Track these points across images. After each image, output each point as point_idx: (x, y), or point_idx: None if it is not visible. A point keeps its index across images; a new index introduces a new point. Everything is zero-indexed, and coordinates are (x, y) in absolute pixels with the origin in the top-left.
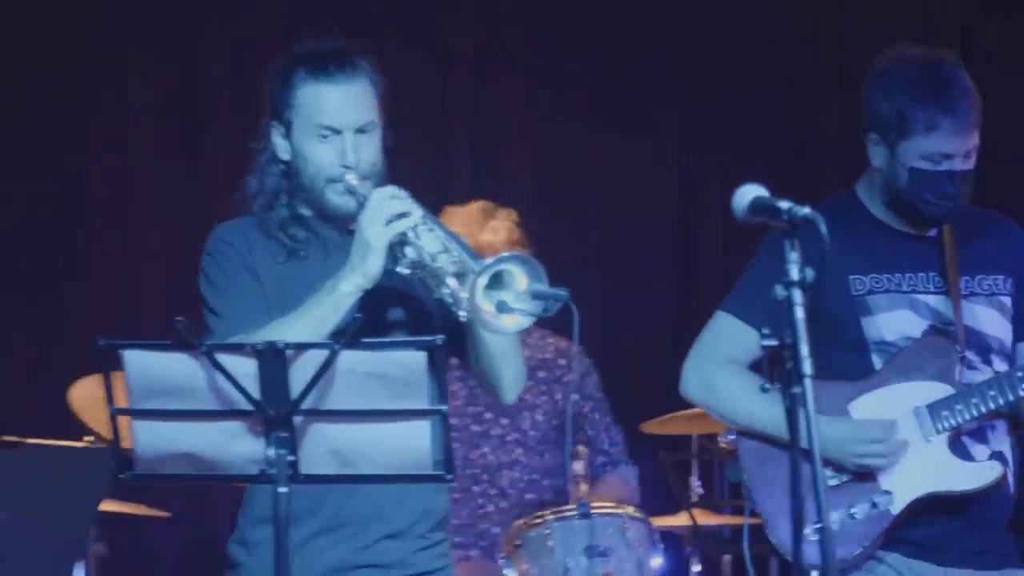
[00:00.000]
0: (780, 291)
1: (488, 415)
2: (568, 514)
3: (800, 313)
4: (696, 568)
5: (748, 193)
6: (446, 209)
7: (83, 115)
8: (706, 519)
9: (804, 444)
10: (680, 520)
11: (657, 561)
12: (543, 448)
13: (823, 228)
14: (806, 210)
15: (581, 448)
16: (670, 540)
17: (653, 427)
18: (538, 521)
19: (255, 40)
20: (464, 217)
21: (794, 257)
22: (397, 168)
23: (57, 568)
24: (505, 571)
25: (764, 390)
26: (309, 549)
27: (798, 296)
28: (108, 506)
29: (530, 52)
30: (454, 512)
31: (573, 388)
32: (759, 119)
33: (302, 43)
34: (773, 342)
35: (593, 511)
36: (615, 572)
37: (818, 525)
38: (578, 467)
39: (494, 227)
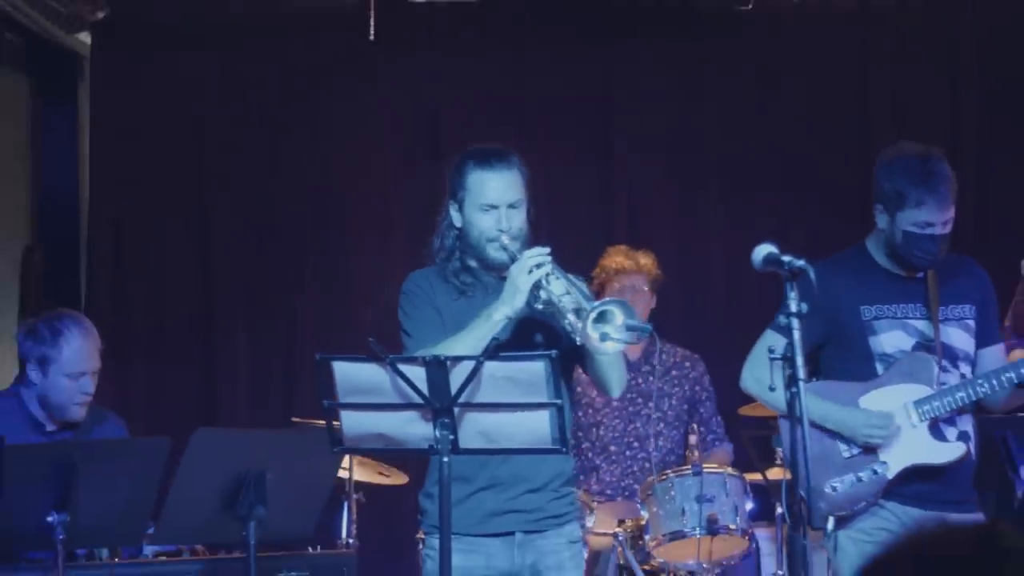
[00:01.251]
0: (783, 319)
1: (639, 400)
2: (685, 472)
3: (797, 335)
4: (779, 510)
5: (763, 250)
6: (608, 249)
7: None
8: (778, 475)
9: (828, 425)
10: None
11: (749, 505)
12: (677, 424)
13: (812, 275)
14: (801, 262)
15: (694, 426)
16: (757, 491)
17: (747, 410)
18: (664, 477)
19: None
20: (618, 250)
21: (792, 295)
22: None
23: (308, 515)
24: (641, 511)
25: (771, 389)
26: (474, 500)
27: (795, 323)
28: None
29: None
30: (609, 471)
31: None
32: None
33: (472, 145)
34: (778, 357)
35: (703, 471)
36: (718, 514)
37: (831, 484)
38: (692, 440)
39: (637, 257)
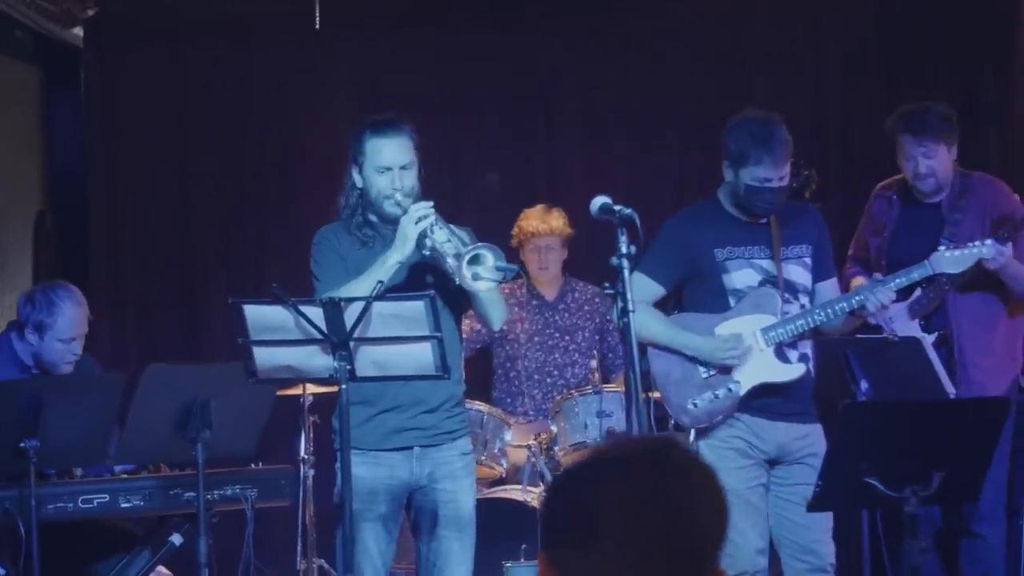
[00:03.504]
0: (614, 260)
1: (557, 334)
2: (587, 392)
3: (626, 274)
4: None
5: (598, 201)
6: (524, 211)
7: None
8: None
9: (688, 352)
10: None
11: None
12: (589, 352)
13: (637, 222)
14: (628, 211)
15: (595, 352)
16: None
17: None
18: (569, 396)
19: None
20: (533, 213)
21: (622, 239)
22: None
23: (249, 437)
24: (551, 426)
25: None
26: (377, 420)
27: (625, 263)
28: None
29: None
30: (532, 396)
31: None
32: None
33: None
34: (611, 291)
35: (603, 390)
36: (615, 426)
37: (692, 401)
38: (594, 364)
39: (548, 218)
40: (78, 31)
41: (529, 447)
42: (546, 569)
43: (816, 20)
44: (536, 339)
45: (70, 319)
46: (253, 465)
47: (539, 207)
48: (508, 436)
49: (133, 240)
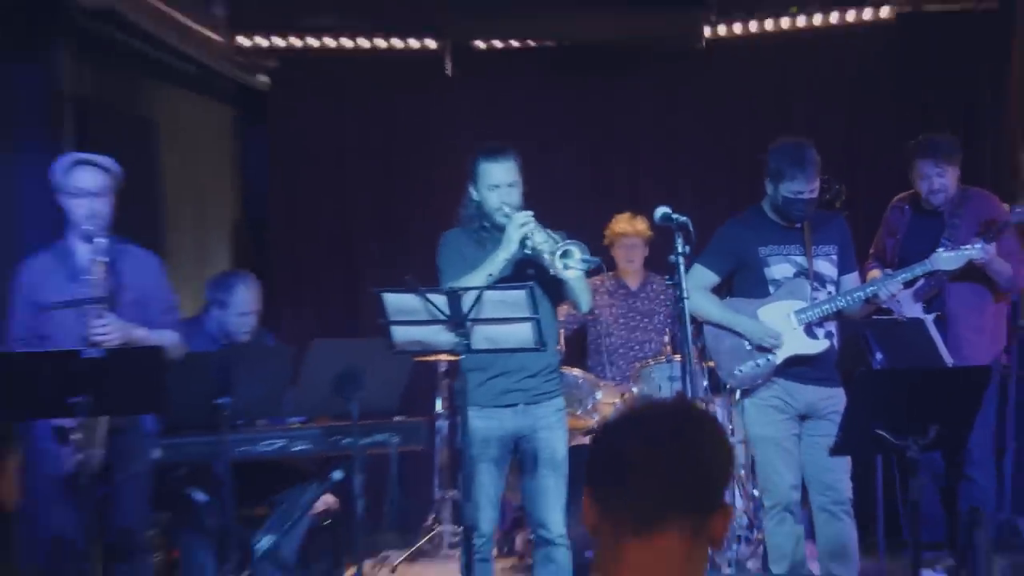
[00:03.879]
0: (671, 258)
1: (638, 317)
2: (661, 361)
3: (682, 268)
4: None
5: (660, 210)
6: (614, 216)
7: None
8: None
9: (738, 329)
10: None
11: (704, 383)
12: (663, 331)
13: (690, 227)
14: (683, 218)
15: (668, 331)
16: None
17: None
18: (647, 364)
19: None
20: (622, 218)
21: (679, 240)
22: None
23: (392, 396)
24: (632, 388)
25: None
26: (490, 384)
27: (681, 260)
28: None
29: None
30: (618, 365)
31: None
32: None
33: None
34: (670, 282)
35: (673, 359)
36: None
37: (738, 368)
38: (666, 339)
39: (633, 223)
40: (264, 78)
41: (615, 404)
42: (589, 503)
43: (842, 64)
44: (621, 320)
45: (243, 297)
46: (396, 418)
47: (626, 214)
48: (599, 395)
49: (305, 242)
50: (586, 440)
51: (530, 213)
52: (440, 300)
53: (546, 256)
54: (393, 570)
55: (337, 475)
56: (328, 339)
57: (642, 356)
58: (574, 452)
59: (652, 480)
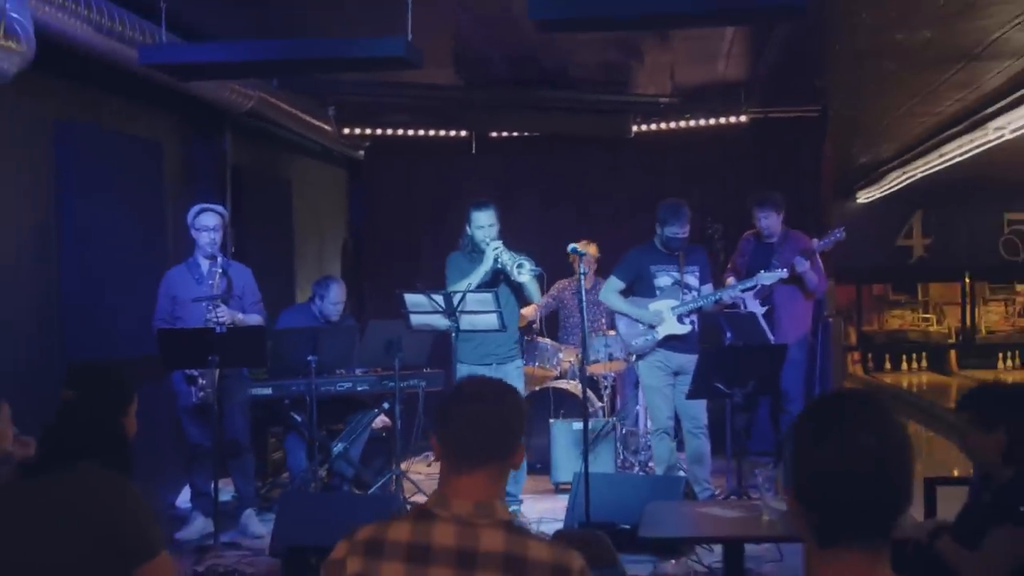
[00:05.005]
0: (578, 276)
1: (589, 306)
2: (599, 334)
3: (583, 281)
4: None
5: (571, 244)
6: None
7: None
8: None
9: (634, 316)
10: None
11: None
12: (602, 316)
13: (580, 253)
14: (583, 251)
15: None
16: None
17: None
18: (592, 336)
19: None
20: (580, 244)
21: (582, 264)
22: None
23: (422, 354)
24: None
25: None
26: (474, 350)
27: (583, 276)
28: None
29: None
30: (575, 335)
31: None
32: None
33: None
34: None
35: (606, 333)
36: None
37: (635, 340)
38: (603, 321)
39: (587, 246)
40: (361, 152)
41: (570, 361)
42: (435, 443)
43: (717, 148)
44: (578, 308)
45: (335, 292)
46: (424, 369)
47: (583, 240)
48: (560, 355)
49: (384, 258)
50: (550, 384)
51: (500, 242)
52: (439, 298)
53: (509, 268)
54: (429, 464)
55: (386, 405)
56: (380, 320)
57: (589, 331)
58: (541, 392)
59: (465, 433)
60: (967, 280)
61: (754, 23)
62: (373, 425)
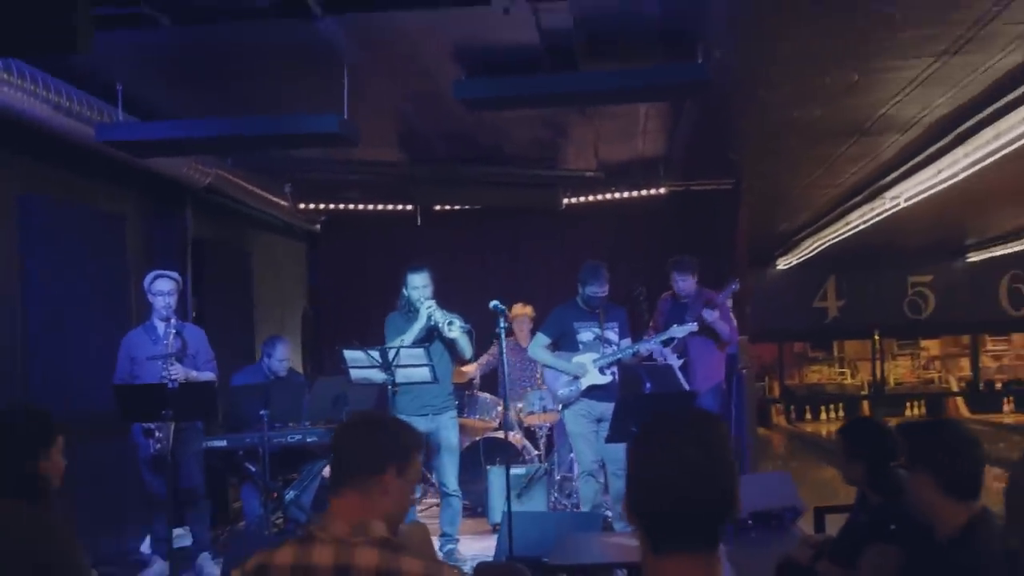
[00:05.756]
0: (496, 331)
1: (526, 363)
2: (535, 389)
3: (503, 335)
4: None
5: (492, 302)
6: (514, 306)
7: None
8: None
9: (560, 368)
10: None
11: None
12: (536, 372)
13: (506, 312)
14: (503, 307)
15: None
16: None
17: None
18: (526, 392)
19: None
20: (517, 307)
21: (501, 320)
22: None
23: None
24: (519, 404)
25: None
26: (412, 401)
27: (502, 332)
28: None
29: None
30: (514, 391)
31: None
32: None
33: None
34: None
35: (541, 389)
36: (548, 402)
37: (561, 391)
38: (538, 376)
39: (523, 308)
40: (317, 226)
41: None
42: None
43: (639, 217)
44: (517, 365)
45: (280, 350)
46: None
47: (520, 303)
48: (499, 408)
49: (338, 321)
50: (489, 435)
51: (433, 301)
52: (375, 354)
53: (442, 325)
54: None
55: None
56: (327, 377)
57: (525, 386)
58: (480, 442)
59: (337, 455)
60: (876, 338)
61: (660, 100)
62: (324, 473)
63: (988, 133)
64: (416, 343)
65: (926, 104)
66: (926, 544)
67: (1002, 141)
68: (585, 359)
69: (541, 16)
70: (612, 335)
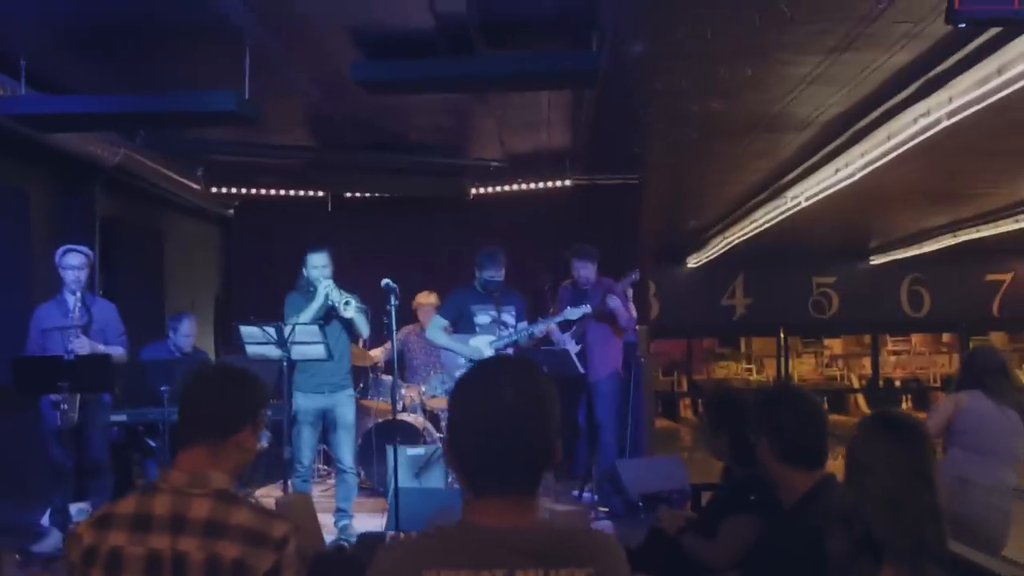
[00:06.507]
0: (388, 307)
1: (431, 349)
2: (438, 373)
3: (393, 313)
4: None
5: (384, 280)
6: (418, 294)
7: None
8: None
9: (456, 350)
10: None
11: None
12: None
13: (397, 290)
14: (394, 284)
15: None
16: None
17: None
18: (430, 374)
19: None
20: (422, 294)
21: (392, 297)
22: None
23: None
24: (422, 387)
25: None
26: (309, 378)
27: (392, 309)
28: None
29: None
30: (417, 373)
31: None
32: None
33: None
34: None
35: (443, 372)
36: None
37: (459, 370)
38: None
39: (428, 296)
40: (230, 211)
41: (412, 397)
42: None
43: (544, 208)
44: (422, 352)
45: (186, 325)
46: (272, 400)
47: (425, 291)
48: (403, 391)
49: (249, 303)
50: (390, 417)
51: (331, 281)
52: (271, 330)
53: (338, 304)
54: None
55: None
56: (230, 355)
57: (429, 370)
58: (384, 424)
59: (184, 411)
60: (782, 335)
61: (554, 87)
62: None
63: (881, 133)
64: (314, 322)
65: (820, 102)
66: (776, 513)
67: (895, 141)
68: (481, 341)
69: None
70: (509, 318)
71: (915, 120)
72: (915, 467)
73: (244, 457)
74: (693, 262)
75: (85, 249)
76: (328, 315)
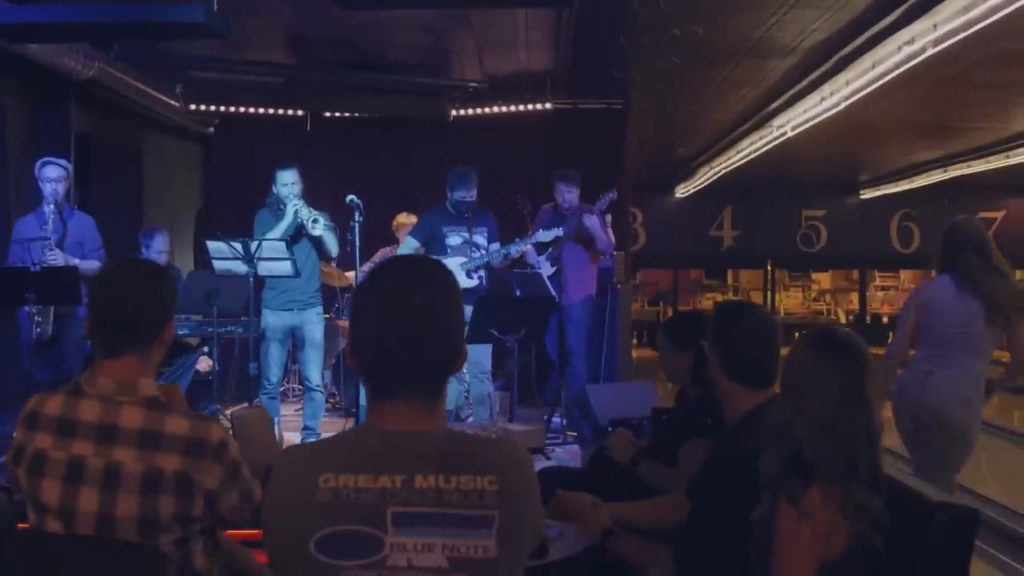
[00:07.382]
0: (352, 224)
1: None
2: None
3: (357, 230)
4: None
5: (349, 196)
6: (397, 215)
7: None
8: None
9: None
10: None
11: None
12: None
13: (361, 206)
14: (357, 200)
15: None
16: None
17: None
18: None
19: None
20: (401, 215)
21: (357, 214)
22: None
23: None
24: None
25: None
26: (278, 296)
27: (357, 225)
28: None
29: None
30: None
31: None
32: None
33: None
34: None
35: None
36: None
37: None
38: None
39: (408, 218)
40: (210, 129)
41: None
42: None
43: (524, 132)
44: None
45: (159, 241)
46: (243, 317)
47: (404, 212)
48: None
49: (228, 224)
50: None
51: (301, 200)
52: (237, 245)
53: (306, 222)
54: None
55: (206, 349)
56: (200, 271)
57: None
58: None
59: (119, 317)
60: (769, 268)
61: (529, 5)
62: (199, 368)
63: (866, 61)
64: (282, 239)
65: (803, 27)
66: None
67: (880, 70)
68: (452, 263)
69: None
70: (480, 239)
71: (900, 48)
72: (851, 388)
73: (163, 352)
74: (681, 192)
75: (63, 162)
76: (297, 233)
